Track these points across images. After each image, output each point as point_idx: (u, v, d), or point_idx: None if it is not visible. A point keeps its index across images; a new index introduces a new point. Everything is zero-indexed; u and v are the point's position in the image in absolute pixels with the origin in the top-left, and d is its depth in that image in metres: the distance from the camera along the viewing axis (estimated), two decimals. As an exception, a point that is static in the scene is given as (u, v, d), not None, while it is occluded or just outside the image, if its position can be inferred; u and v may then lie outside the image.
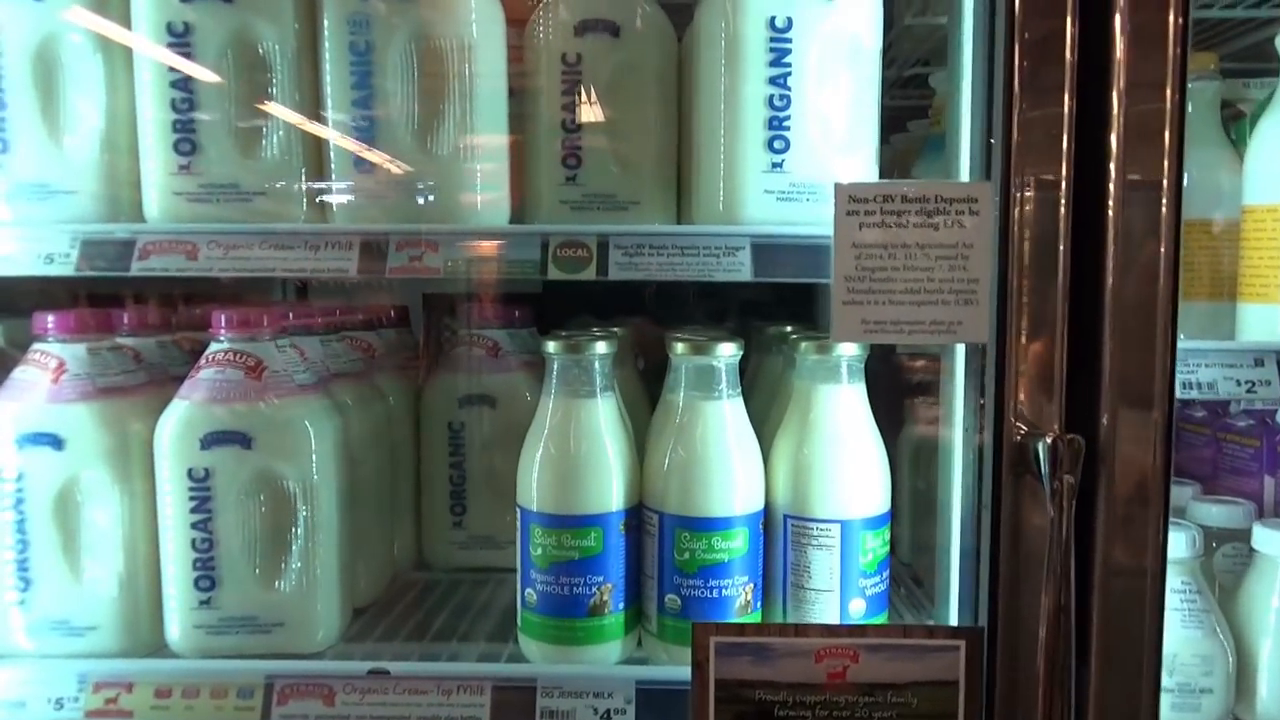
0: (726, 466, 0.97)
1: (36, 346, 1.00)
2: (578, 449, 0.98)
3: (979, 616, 0.78)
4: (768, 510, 1.01)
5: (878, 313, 0.72)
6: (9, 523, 0.98)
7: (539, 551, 0.98)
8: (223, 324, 1.01)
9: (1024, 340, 0.73)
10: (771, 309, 1.72)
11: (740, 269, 0.94)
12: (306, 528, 1.00)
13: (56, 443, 0.97)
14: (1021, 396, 0.73)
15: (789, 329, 1.25)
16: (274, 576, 1.00)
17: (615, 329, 1.23)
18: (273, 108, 0.96)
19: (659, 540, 0.98)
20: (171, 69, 0.95)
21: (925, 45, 1.51)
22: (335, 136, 0.97)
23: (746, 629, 0.74)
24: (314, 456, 1.00)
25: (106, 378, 1.00)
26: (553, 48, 1.04)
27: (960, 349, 0.89)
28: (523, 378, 1.32)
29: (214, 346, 1.01)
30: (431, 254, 0.94)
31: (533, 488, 0.99)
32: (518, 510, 1.01)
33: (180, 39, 0.95)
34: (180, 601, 0.99)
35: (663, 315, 1.63)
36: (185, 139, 0.96)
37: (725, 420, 0.98)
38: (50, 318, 1.00)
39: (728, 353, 0.98)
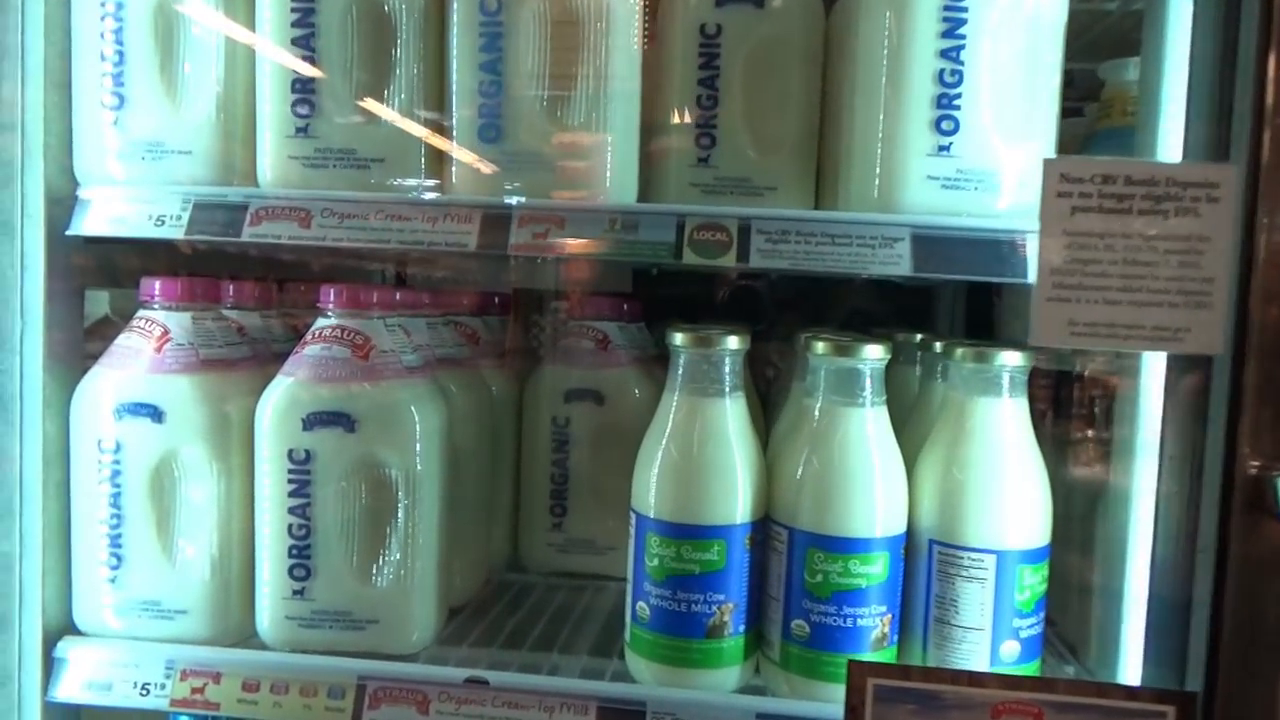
0: (868, 481, 0.87)
1: (141, 314, 0.96)
2: (703, 452, 0.89)
3: (1186, 678, 0.66)
4: (910, 534, 0.90)
5: (1089, 313, 0.62)
6: (105, 495, 0.93)
7: (655, 563, 0.90)
8: (331, 298, 0.95)
9: (1265, 356, 0.61)
10: (878, 315, 1.62)
11: (898, 262, 0.84)
12: (406, 520, 0.94)
13: (156, 414, 0.92)
14: (1257, 423, 0.61)
15: (920, 336, 1.14)
16: (370, 570, 0.94)
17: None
18: (395, 69, 0.90)
19: (788, 559, 0.89)
20: (294, 24, 0.89)
21: (1083, 36, 1.38)
22: (460, 102, 0.90)
23: (912, 672, 0.64)
24: (418, 444, 0.94)
25: (210, 349, 0.96)
26: (690, 18, 0.96)
27: (1155, 362, 0.78)
28: (633, 373, 1.24)
29: (320, 322, 0.95)
30: (557, 230, 0.86)
31: (651, 492, 0.90)
32: (631, 515, 0.93)
33: (306, -6, 0.89)
34: (273, 590, 0.94)
35: (746, 319, 1.54)
36: (304, 99, 0.90)
37: (868, 430, 0.88)
38: (156, 283, 0.96)
39: (875, 355, 0.88)
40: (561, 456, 1.25)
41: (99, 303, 1.13)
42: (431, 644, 0.98)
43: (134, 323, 0.96)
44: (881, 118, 0.88)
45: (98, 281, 1.19)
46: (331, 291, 0.95)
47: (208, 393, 0.94)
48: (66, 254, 0.95)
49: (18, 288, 0.92)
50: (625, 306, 1.29)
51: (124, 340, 0.95)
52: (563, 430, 1.24)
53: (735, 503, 0.89)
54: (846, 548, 0.86)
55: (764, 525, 0.91)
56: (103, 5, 0.91)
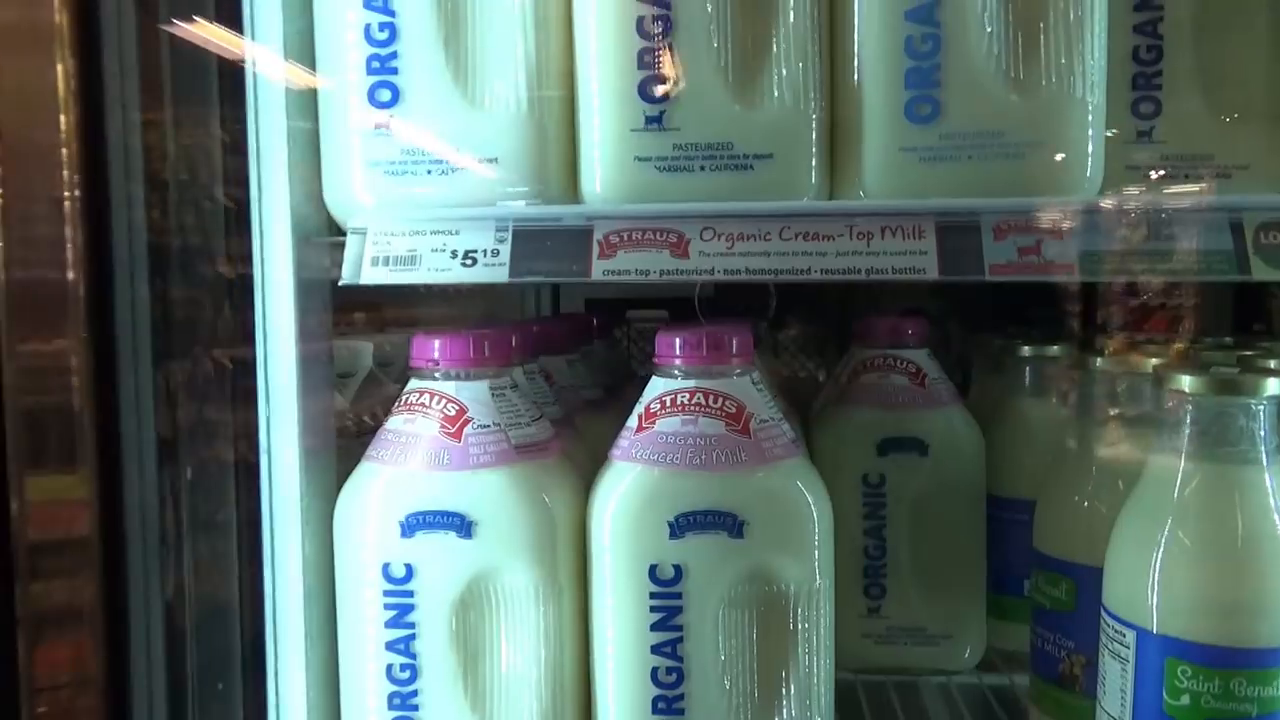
0: None
1: (418, 385, 0.70)
2: (1253, 548, 0.63)
3: None
4: None
5: None
6: (391, 639, 0.68)
7: (1184, 700, 0.64)
8: (679, 350, 0.69)
9: None
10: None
11: None
12: (804, 648, 0.68)
13: (463, 526, 0.67)
14: None
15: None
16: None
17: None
18: (781, 26, 0.64)
19: (1377, 688, 0.63)
20: (641, -28, 0.64)
21: None
22: (877, 70, 0.64)
23: None
24: (817, 547, 0.68)
25: (519, 429, 0.70)
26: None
27: None
28: (959, 415, 0.99)
29: (666, 384, 0.69)
30: (1053, 243, 0.60)
31: (1163, 599, 0.64)
32: (1118, 625, 0.67)
33: (655, -74, 0.63)
34: (630, 759, 0.68)
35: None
36: (655, 76, 0.64)
37: None
38: (436, 344, 0.70)
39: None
40: (878, 524, 0.99)
41: (361, 355, 0.85)
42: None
43: (410, 398, 0.70)
44: None
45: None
46: (678, 341, 0.69)
47: (528, 491, 0.68)
48: (318, 311, 0.69)
49: (260, 362, 0.66)
50: (924, 328, 1.04)
51: (401, 424, 0.69)
52: (877, 491, 0.98)
53: (1299, 613, 0.63)
54: None
55: (1326, 638, 0.65)
56: (362, -38, 0.65)
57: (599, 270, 0.62)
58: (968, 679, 1.00)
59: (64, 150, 0.51)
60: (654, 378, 0.71)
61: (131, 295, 0.59)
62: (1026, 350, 1.05)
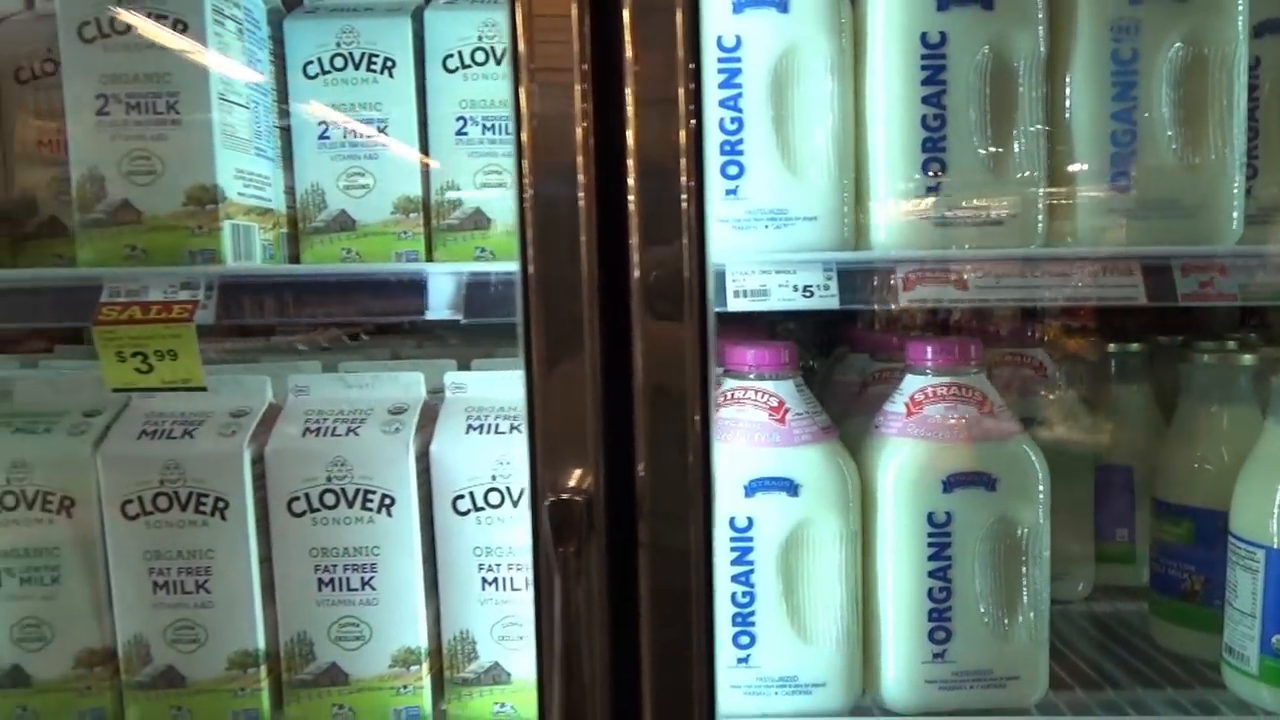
0: None
1: (740, 384, 0.93)
2: (1348, 483, 0.90)
3: None
4: None
5: None
6: (733, 574, 0.91)
7: (1305, 596, 0.91)
8: (931, 356, 0.94)
9: None
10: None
11: None
12: (1035, 573, 0.94)
13: (791, 488, 0.90)
14: None
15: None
16: (1009, 628, 0.93)
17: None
18: (1018, 124, 0.89)
19: None
20: (924, 82, 0.88)
21: None
22: (1087, 154, 0.90)
23: None
24: (1042, 497, 0.94)
25: (819, 415, 0.94)
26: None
27: None
28: (1076, 401, 1.26)
29: (923, 380, 0.94)
30: (1222, 279, 0.87)
31: (1286, 525, 0.91)
32: (1248, 546, 0.94)
33: (935, 50, 0.88)
34: (909, 655, 0.92)
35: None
36: (934, 159, 0.89)
37: None
38: (750, 353, 0.93)
39: None
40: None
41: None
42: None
43: (734, 393, 0.93)
44: None
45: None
46: (929, 349, 0.94)
47: (834, 460, 0.92)
48: (671, 329, 0.92)
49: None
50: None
51: (734, 413, 0.92)
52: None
53: (1379, 529, 0.90)
54: None
55: (1393, 549, 0.93)
56: (719, 72, 0.88)
57: (904, 299, 0.86)
58: (1081, 607, 1.27)
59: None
60: (909, 375, 0.96)
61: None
62: (1113, 348, 1.32)
